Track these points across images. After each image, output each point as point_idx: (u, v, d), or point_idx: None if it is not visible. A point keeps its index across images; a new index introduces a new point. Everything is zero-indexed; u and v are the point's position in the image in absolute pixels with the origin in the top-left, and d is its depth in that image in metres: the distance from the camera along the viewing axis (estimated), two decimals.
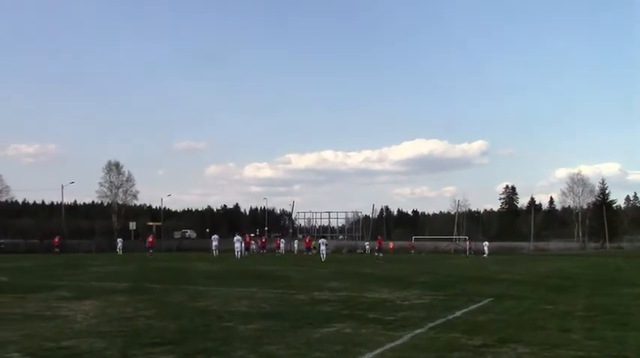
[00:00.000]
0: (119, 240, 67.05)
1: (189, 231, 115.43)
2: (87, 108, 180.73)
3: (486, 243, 63.67)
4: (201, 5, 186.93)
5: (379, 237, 60.60)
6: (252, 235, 65.50)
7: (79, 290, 18.63)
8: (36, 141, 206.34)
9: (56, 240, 62.98)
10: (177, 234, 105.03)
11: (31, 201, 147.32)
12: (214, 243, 53.57)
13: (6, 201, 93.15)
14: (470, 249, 65.84)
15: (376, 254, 50.91)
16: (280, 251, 61.40)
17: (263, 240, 60.64)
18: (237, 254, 49.62)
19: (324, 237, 61.81)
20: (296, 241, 59.94)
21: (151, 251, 54.14)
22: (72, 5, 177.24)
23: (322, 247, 50.22)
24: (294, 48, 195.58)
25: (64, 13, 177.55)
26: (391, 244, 74.70)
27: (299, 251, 63.29)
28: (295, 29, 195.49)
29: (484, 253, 60.41)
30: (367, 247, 71.87)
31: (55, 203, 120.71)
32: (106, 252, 65.82)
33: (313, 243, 59.90)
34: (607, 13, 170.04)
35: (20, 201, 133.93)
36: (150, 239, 57.26)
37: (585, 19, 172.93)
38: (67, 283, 21.47)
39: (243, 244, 52.07)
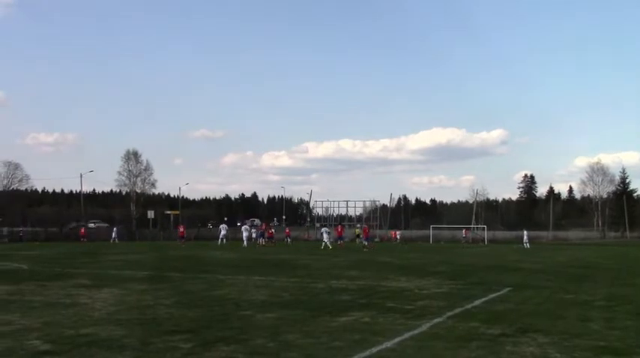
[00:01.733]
0: (114, 229, 65.31)
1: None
2: (106, 97, 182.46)
3: (525, 233, 60.32)
4: None
5: (364, 226, 60.02)
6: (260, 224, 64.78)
7: (98, 278, 18.75)
8: (55, 130, 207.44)
9: (82, 230, 63.72)
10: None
11: (50, 190, 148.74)
12: (222, 232, 53.28)
13: (25, 189, 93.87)
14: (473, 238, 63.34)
15: (365, 243, 50.03)
16: (288, 240, 60.29)
17: (270, 231, 59.93)
18: (245, 242, 49.88)
19: (325, 226, 61.87)
20: (325, 230, 59.65)
21: (182, 240, 54.02)
22: None
23: (325, 236, 50.09)
24: (311, 37, 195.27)
25: (80, 3, 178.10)
26: (394, 233, 74.22)
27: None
28: (311, 19, 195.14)
29: (525, 243, 57.39)
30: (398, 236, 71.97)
31: (74, 191, 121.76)
32: (124, 240, 66.00)
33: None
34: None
35: (40, 189, 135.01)
36: (181, 229, 57.07)
37: (603, 3, 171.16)
38: (86, 271, 21.63)
39: (250, 233, 51.99)
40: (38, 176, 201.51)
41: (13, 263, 26.34)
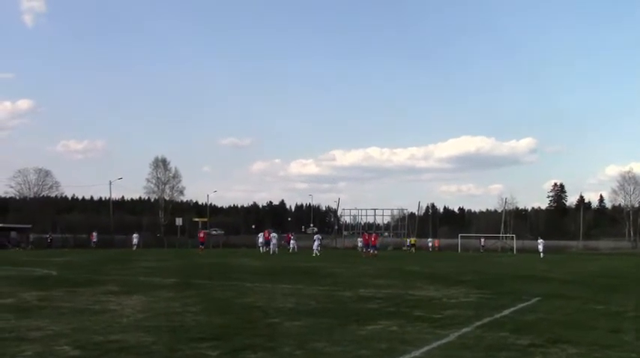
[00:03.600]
0: (135, 236, 63.56)
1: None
2: (135, 105, 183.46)
3: (541, 241, 60.14)
4: (247, 5, 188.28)
5: (374, 234, 60.07)
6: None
7: (126, 284, 18.86)
8: (85, 137, 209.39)
9: (93, 234, 63.50)
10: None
11: (80, 197, 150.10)
12: (273, 241, 52.17)
13: (56, 196, 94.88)
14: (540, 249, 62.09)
15: (371, 251, 50.04)
16: (291, 247, 57.11)
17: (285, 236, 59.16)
18: (262, 249, 49.98)
19: (319, 233, 62.20)
20: (360, 239, 59.56)
21: (201, 246, 54.09)
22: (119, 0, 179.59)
23: (316, 243, 50.53)
24: (340, 44, 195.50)
25: (112, 10, 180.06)
26: (437, 242, 74.21)
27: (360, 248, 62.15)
28: (339, 27, 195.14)
29: (539, 252, 57.33)
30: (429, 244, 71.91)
31: (104, 198, 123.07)
32: (152, 247, 66.26)
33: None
34: None
35: (70, 196, 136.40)
36: (201, 235, 57.15)
37: (634, 11, 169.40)
38: (115, 278, 21.78)
39: (275, 241, 51.82)
40: (68, 183, 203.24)
41: (43, 269, 26.60)
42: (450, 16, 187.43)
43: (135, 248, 59.97)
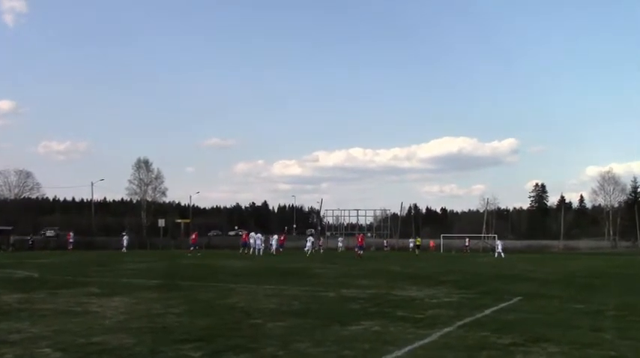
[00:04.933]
0: (125, 238, 61.91)
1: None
2: (117, 105, 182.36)
3: (499, 242, 61.04)
4: (229, 3, 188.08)
5: (361, 234, 60.45)
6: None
7: (108, 286, 18.78)
8: (66, 138, 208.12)
9: (69, 235, 62.08)
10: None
11: (61, 198, 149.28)
12: (258, 242, 51.78)
13: (37, 198, 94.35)
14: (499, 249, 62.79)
15: (358, 251, 50.56)
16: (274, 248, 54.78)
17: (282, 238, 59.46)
18: (257, 251, 49.80)
19: (311, 234, 62.99)
20: (340, 239, 60.00)
21: (191, 248, 53.56)
22: (100, 1, 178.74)
23: (308, 243, 51.05)
24: (323, 44, 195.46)
25: (94, 10, 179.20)
26: (432, 243, 73.71)
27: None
28: (322, 25, 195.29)
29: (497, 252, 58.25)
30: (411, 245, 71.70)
31: (85, 200, 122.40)
32: (135, 249, 65.90)
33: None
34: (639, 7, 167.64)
35: (51, 198, 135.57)
36: (193, 236, 56.66)
37: (618, 12, 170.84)
38: (96, 279, 21.69)
39: (260, 242, 51.71)
40: (49, 184, 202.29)
41: (24, 271, 26.43)
42: (434, 17, 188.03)
43: (124, 249, 59.16)
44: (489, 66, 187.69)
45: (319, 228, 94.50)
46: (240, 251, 51.26)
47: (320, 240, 66.56)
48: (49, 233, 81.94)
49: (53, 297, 15.58)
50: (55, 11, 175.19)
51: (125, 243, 61.11)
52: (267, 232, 65.60)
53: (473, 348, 8.87)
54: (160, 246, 69.88)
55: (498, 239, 62.34)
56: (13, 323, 11.09)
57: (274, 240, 53.08)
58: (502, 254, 55.63)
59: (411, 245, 71.17)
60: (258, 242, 51.02)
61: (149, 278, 22.29)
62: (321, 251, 60.98)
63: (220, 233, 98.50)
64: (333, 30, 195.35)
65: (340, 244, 67.66)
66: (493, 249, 60.25)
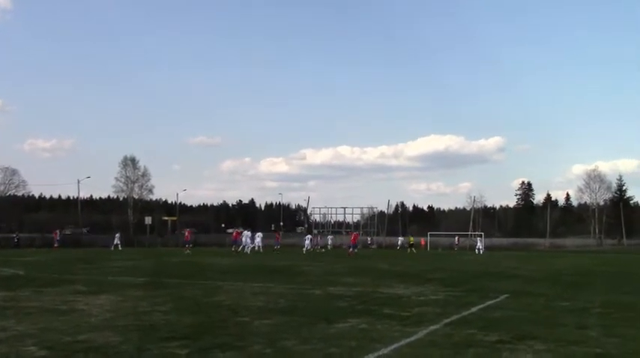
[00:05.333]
0: (116, 235, 61.07)
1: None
2: (103, 103, 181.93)
3: (479, 239, 62.42)
4: (215, 1, 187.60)
5: (355, 233, 60.71)
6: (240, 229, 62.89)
7: (94, 284, 18.71)
8: (53, 136, 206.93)
9: (56, 232, 61.25)
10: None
11: (47, 196, 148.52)
12: (257, 240, 52.14)
13: (23, 195, 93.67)
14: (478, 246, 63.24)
15: (352, 249, 50.91)
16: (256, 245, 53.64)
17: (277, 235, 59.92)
18: (247, 249, 49.75)
19: (310, 232, 63.59)
20: (330, 237, 60.23)
21: (187, 246, 53.11)
22: None
23: (307, 242, 51.74)
24: (310, 43, 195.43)
25: (81, 7, 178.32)
26: (422, 241, 73.30)
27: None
28: (310, 23, 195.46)
29: (478, 249, 59.55)
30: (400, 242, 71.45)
31: (72, 197, 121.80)
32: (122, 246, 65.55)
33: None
34: (625, 7, 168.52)
35: (37, 195, 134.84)
36: (186, 234, 56.22)
37: (603, 12, 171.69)
38: (83, 277, 21.58)
39: (250, 240, 51.58)
40: (35, 182, 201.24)
41: (10, 269, 26.27)
42: (421, 18, 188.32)
43: (117, 247, 58.10)
44: (476, 65, 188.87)
45: (306, 226, 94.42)
46: (233, 248, 51.19)
47: (318, 238, 66.37)
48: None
49: (39, 295, 15.50)
50: (40, 8, 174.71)
51: (116, 241, 60.20)
52: (253, 230, 65.38)
53: (459, 346, 8.90)
54: (147, 244, 69.55)
55: (478, 237, 63.30)
56: None
57: (259, 237, 52.89)
58: (481, 251, 56.79)
59: (400, 242, 70.97)
60: (249, 241, 51.00)
61: (136, 276, 22.21)
62: (323, 249, 61.06)
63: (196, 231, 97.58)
64: (321, 28, 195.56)
65: (330, 242, 67.53)
66: (475, 247, 60.78)
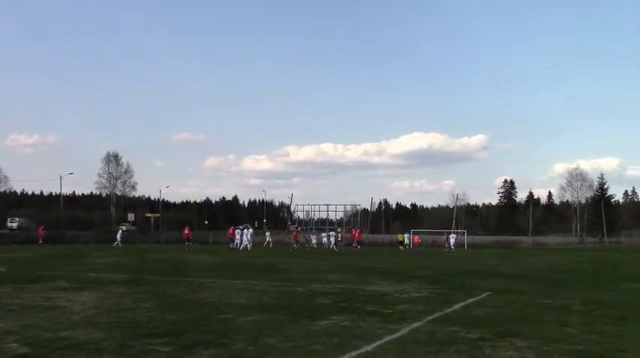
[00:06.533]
0: (120, 228, 62.56)
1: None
2: (86, 99, 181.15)
3: (453, 236, 63.71)
4: (201, 3, 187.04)
5: (358, 230, 61.03)
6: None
7: (77, 281, 18.62)
8: (35, 131, 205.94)
9: (40, 229, 60.32)
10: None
11: (29, 192, 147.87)
12: (247, 237, 52.37)
13: (4, 191, 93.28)
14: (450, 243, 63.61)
15: (356, 245, 51.61)
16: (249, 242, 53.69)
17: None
18: (240, 246, 50.20)
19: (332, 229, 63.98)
20: (333, 233, 60.16)
21: (187, 243, 53.03)
22: None
23: (325, 239, 51.88)
24: (294, 40, 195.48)
25: (63, 5, 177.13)
26: (416, 238, 72.33)
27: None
28: (293, 21, 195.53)
29: (447, 247, 60.73)
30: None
31: (54, 194, 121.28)
32: (104, 243, 65.24)
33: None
34: (605, 8, 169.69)
35: (19, 191, 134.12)
36: (186, 231, 56.00)
37: (584, 12, 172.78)
38: (65, 274, 21.46)
39: (247, 237, 51.66)
40: (17, 178, 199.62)
41: None
42: (407, 16, 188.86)
43: (118, 243, 58.71)
44: (460, 63, 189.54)
45: (289, 223, 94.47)
46: (231, 245, 51.34)
47: (339, 235, 65.51)
48: (11, 224, 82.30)
49: (20, 292, 15.42)
50: (23, 5, 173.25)
51: (119, 237, 61.08)
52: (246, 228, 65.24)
53: (442, 343, 8.94)
54: (130, 240, 69.26)
55: (452, 233, 64.27)
56: None
57: (249, 234, 52.89)
58: (452, 248, 59.18)
59: (407, 240, 69.34)
60: (242, 238, 51.23)
61: (118, 273, 22.11)
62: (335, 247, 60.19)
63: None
64: (304, 26, 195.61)
65: (325, 240, 67.30)
66: (449, 244, 61.35)
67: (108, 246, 54.60)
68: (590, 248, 72.64)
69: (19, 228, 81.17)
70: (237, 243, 50.74)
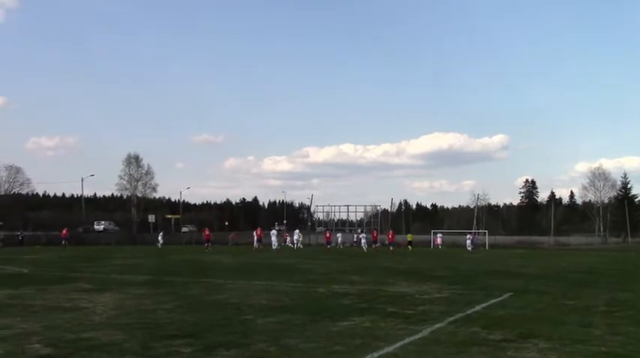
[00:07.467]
0: (160, 234, 64.81)
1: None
2: (107, 101, 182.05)
3: (469, 237, 63.48)
4: (222, 4, 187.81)
5: (392, 231, 60.65)
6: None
7: (98, 282, 18.74)
8: (56, 134, 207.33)
9: (64, 232, 60.97)
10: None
11: (51, 194, 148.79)
12: (273, 238, 53.10)
13: (27, 193, 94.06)
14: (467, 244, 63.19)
15: (390, 247, 51.86)
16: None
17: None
18: (274, 246, 50.97)
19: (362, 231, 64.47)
20: (363, 235, 59.92)
21: (207, 244, 53.33)
22: None
23: (296, 237, 51.90)
24: (314, 41, 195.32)
25: (85, 6, 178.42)
26: (437, 239, 71.08)
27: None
28: (315, 22, 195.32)
29: (468, 246, 60.59)
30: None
31: (75, 195, 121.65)
32: (123, 244, 65.69)
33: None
34: (630, 4, 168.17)
35: (41, 193, 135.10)
36: (207, 232, 56.35)
37: (608, 9, 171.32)
38: (87, 275, 21.60)
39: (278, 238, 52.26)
40: (39, 180, 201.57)
41: (14, 267, 26.33)
42: (425, 16, 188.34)
43: (160, 245, 60.04)
44: (480, 62, 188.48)
45: (309, 224, 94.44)
46: (256, 246, 51.62)
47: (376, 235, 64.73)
48: (97, 227, 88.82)
49: (43, 293, 15.53)
50: (46, 7, 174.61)
51: (160, 239, 62.60)
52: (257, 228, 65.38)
53: (463, 344, 8.88)
54: (151, 242, 69.58)
55: (468, 235, 64.39)
56: (3, 319, 11.07)
57: (273, 234, 53.15)
58: (469, 248, 59.07)
59: (468, 242, 68.49)
60: (274, 238, 52.32)
61: (139, 274, 22.23)
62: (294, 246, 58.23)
63: (195, 229, 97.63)
64: (323, 26, 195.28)
65: (355, 239, 66.83)
66: (470, 245, 61.18)
67: (129, 248, 54.89)
68: (613, 248, 72.00)
69: (104, 230, 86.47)
70: (275, 244, 51.30)
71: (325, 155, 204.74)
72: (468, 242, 61.38)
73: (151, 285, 17.93)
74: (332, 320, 11.10)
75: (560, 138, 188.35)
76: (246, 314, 11.78)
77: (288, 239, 51.83)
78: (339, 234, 65.63)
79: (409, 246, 60.34)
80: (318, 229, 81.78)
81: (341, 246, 61.56)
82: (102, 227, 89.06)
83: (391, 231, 59.18)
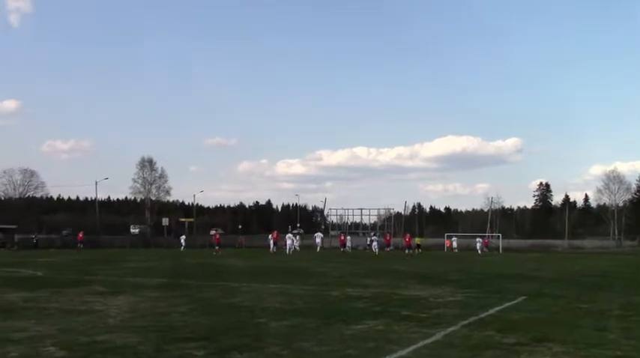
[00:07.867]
0: (182, 237, 66.35)
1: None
2: (121, 104, 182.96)
3: (479, 240, 64.92)
4: (231, 1, 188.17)
5: (408, 234, 60.43)
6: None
7: (113, 285, 18.81)
8: (71, 137, 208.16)
9: (80, 235, 62.01)
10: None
11: (65, 197, 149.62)
12: (288, 242, 53.24)
13: (41, 196, 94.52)
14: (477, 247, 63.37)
15: (407, 251, 52.05)
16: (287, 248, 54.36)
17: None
18: (288, 250, 50.85)
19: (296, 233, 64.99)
20: (375, 238, 59.83)
21: (217, 248, 53.78)
22: (103, 1, 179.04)
23: (289, 242, 52.87)
24: (327, 43, 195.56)
25: (98, 10, 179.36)
26: (448, 242, 70.61)
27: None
28: (325, 29, 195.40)
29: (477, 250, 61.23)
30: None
31: (89, 199, 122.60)
32: (138, 247, 65.93)
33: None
34: None
35: (55, 196, 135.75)
36: (217, 236, 56.76)
37: (622, 12, 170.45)
38: (101, 278, 21.70)
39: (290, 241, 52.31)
40: (54, 183, 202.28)
41: (28, 270, 26.46)
42: (438, 18, 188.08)
43: (182, 248, 61.16)
44: (493, 64, 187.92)
45: (323, 227, 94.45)
46: (271, 249, 51.72)
47: (389, 239, 64.46)
48: (134, 231, 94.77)
49: (57, 296, 15.60)
50: (60, 11, 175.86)
51: (183, 242, 63.92)
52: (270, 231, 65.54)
53: (477, 348, 8.85)
54: (164, 245, 69.85)
55: (478, 238, 65.44)
56: (18, 321, 11.13)
57: (289, 238, 53.30)
58: (479, 252, 60.14)
59: (478, 245, 68.34)
60: (290, 242, 52.34)
61: (153, 277, 22.30)
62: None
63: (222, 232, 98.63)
64: (336, 28, 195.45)
65: (368, 242, 66.66)
66: (481, 248, 61.58)
67: (142, 251, 55.10)
68: (628, 251, 71.52)
69: (140, 233, 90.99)
70: (289, 248, 51.38)
71: (339, 158, 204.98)
72: (479, 245, 61.79)
73: (165, 288, 17.98)
74: (345, 323, 11.09)
75: (574, 141, 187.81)
76: (259, 318, 11.78)
77: (288, 242, 51.38)
78: (348, 237, 65.41)
79: (418, 249, 60.38)
80: (333, 233, 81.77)
81: (349, 250, 61.22)
82: (137, 230, 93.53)
83: (408, 235, 58.72)
